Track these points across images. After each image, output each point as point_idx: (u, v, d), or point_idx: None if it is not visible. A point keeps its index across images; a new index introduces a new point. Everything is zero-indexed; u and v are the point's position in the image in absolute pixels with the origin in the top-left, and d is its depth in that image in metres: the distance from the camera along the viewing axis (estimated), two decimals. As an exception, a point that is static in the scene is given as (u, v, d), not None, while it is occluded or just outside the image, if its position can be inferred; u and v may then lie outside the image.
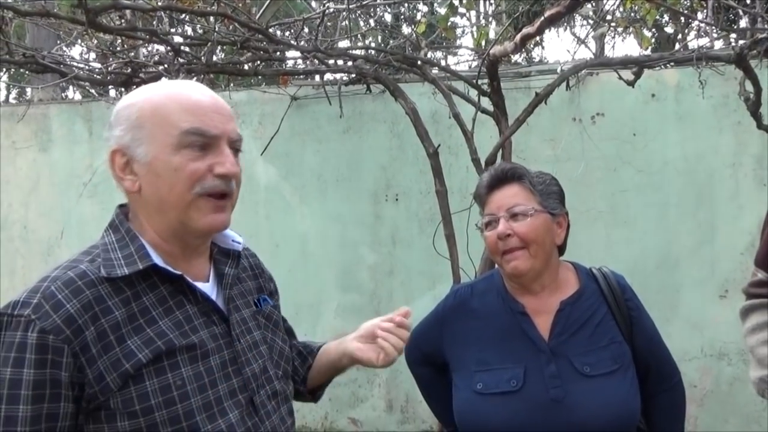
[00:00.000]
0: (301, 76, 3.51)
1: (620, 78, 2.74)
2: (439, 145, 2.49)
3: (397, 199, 3.37)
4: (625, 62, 2.54)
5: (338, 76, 3.33)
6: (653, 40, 7.19)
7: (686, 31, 5.33)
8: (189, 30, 2.57)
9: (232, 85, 3.54)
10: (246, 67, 2.69)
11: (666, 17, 6.64)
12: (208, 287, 1.06)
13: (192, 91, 1.02)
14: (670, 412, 1.42)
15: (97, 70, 2.85)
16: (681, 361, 1.46)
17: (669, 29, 7.42)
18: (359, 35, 3.34)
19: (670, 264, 3.14)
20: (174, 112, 0.98)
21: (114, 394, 0.91)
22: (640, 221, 3.16)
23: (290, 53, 2.88)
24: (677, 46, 4.89)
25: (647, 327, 1.37)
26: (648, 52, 3.46)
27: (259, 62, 2.67)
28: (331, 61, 2.75)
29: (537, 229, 1.30)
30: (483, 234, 1.36)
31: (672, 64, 2.98)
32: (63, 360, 0.89)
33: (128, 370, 0.91)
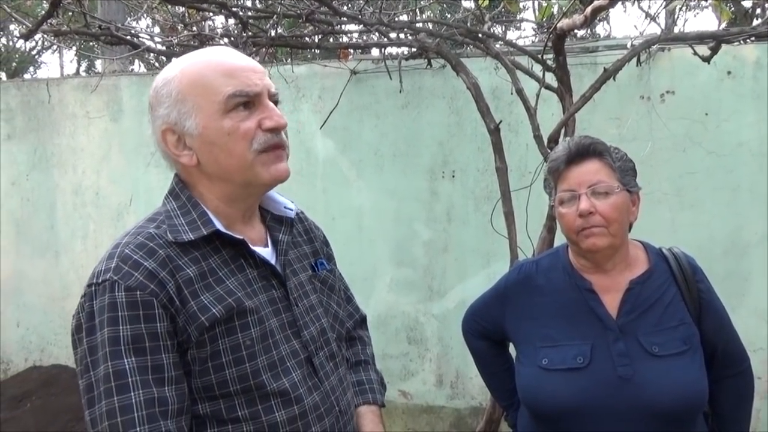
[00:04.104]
0: (360, 51, 3.51)
1: (695, 54, 2.61)
2: (500, 121, 2.44)
3: (453, 176, 3.35)
4: (701, 37, 2.41)
5: (399, 50, 3.30)
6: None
7: (766, 4, 4.99)
8: (249, 2, 2.60)
9: (289, 60, 3.56)
10: (309, 40, 2.71)
11: (745, -10, 6.23)
12: (268, 252, 1.09)
13: (223, 55, 1.04)
14: (737, 398, 1.39)
15: (165, 42, 2.94)
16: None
17: (746, 3, 6.98)
18: (419, 9, 3.30)
19: (738, 250, 3.00)
20: (214, 79, 1.00)
21: (192, 349, 0.95)
22: (708, 205, 3.03)
23: (350, 27, 2.88)
24: (755, 22, 4.59)
25: (717, 310, 1.33)
26: (723, 26, 3.26)
27: (321, 35, 2.69)
28: (393, 35, 2.73)
29: (619, 207, 1.27)
30: (556, 210, 1.34)
31: (752, 39, 2.81)
32: (155, 312, 0.92)
33: (203, 323, 0.95)
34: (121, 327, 0.91)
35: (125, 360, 0.90)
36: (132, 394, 0.89)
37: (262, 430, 0.98)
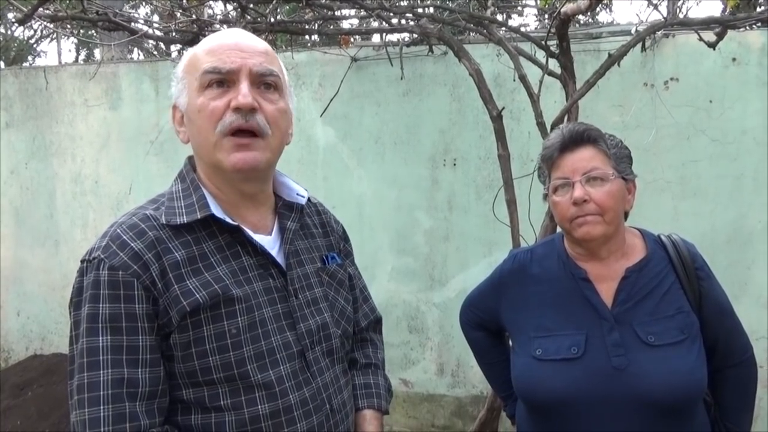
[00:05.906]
0: (360, 37, 3.47)
1: (701, 39, 2.57)
2: (503, 108, 2.42)
3: (455, 164, 3.32)
4: (707, 22, 2.37)
5: (400, 36, 3.27)
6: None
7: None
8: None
9: (289, 47, 3.53)
10: (309, 26, 2.67)
11: (750, -23, 6.15)
12: (270, 240, 1.07)
13: (222, 35, 1.03)
14: (739, 387, 1.36)
15: (164, 28, 2.90)
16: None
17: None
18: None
19: (741, 239, 2.99)
20: (200, 56, 1.00)
21: (174, 333, 0.94)
22: (712, 193, 3.01)
23: (351, 13, 2.85)
24: (759, 9, 4.55)
25: (717, 298, 1.30)
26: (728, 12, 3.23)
27: (322, 21, 2.65)
28: (394, 21, 2.70)
29: (614, 195, 1.25)
30: (550, 198, 1.31)
31: (758, 24, 2.77)
32: (134, 293, 0.92)
33: (185, 308, 0.94)
34: (101, 305, 0.91)
35: (100, 338, 0.90)
36: (101, 372, 0.89)
37: (244, 422, 0.96)
